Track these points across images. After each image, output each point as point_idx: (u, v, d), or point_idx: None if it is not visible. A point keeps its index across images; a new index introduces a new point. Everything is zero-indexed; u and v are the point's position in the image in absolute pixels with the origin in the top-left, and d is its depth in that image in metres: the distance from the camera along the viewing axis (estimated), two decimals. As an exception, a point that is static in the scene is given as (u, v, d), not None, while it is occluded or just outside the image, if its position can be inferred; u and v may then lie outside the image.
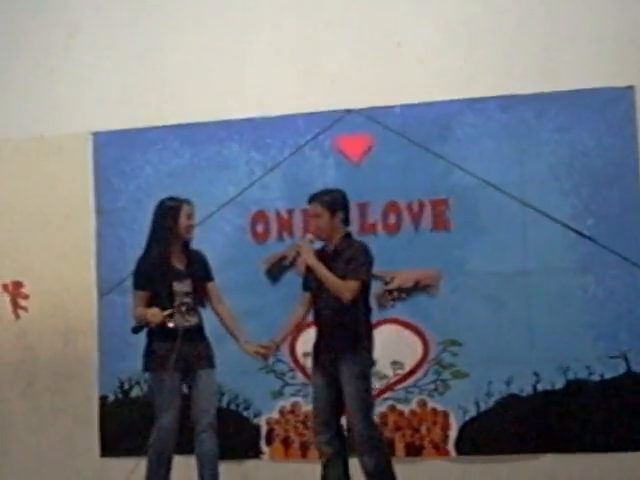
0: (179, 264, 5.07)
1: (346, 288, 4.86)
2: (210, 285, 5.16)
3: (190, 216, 5.10)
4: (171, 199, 5.14)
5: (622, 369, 5.68)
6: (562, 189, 5.82)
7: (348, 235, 5.07)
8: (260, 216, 6.16)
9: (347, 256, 4.94)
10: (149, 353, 5.02)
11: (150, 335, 5.02)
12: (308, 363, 5.80)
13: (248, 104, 6.18)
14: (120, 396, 6.25)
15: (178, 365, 4.93)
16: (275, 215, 6.14)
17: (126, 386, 6.23)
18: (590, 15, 5.95)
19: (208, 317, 5.21)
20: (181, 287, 5.01)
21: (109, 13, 6.50)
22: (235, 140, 6.24)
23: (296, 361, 6.04)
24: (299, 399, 6.04)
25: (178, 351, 4.90)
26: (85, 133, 6.40)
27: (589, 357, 5.70)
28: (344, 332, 4.91)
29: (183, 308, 4.99)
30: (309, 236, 5.09)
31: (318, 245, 5.07)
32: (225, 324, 5.15)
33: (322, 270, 4.91)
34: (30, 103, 6.55)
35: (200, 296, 5.10)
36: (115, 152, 6.37)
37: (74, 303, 6.32)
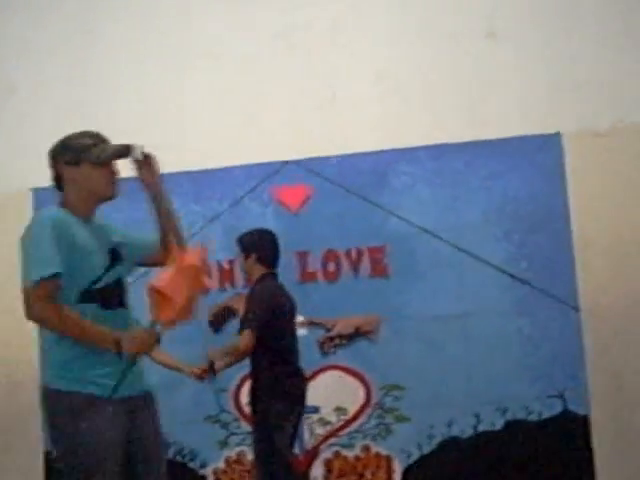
0: None
1: (240, 341, 4.76)
2: None
3: None
4: None
5: (559, 408, 5.81)
6: (495, 234, 5.99)
7: (265, 277, 4.92)
8: (201, 267, 6.23)
9: (247, 301, 4.86)
10: None
11: None
12: (252, 412, 5.89)
13: (187, 157, 6.24)
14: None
15: None
16: (216, 266, 6.22)
17: (70, 441, 6.19)
18: (516, 63, 6.14)
19: (157, 369, 5.22)
20: None
21: (47, 69, 6.56)
22: (175, 193, 6.11)
23: (240, 410, 6.08)
24: (245, 448, 6.06)
25: None
26: (25, 190, 6.41)
27: (527, 397, 5.83)
28: (255, 381, 4.87)
29: None
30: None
31: None
32: (167, 365, 5.09)
33: (223, 350, 4.92)
34: (-31, 161, 6.58)
35: None
36: (55, 207, 6.39)
37: (16, 357, 6.27)
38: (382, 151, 6.12)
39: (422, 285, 6.02)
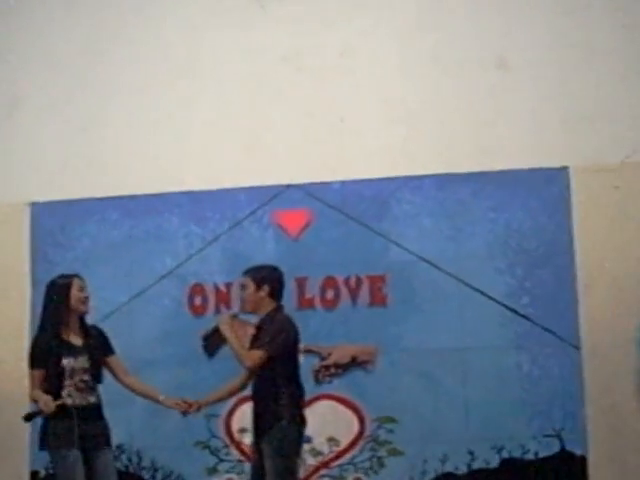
0: (76, 340, 4.93)
1: (247, 356, 4.84)
2: (112, 359, 5.03)
3: (82, 289, 4.98)
4: (61, 276, 5.03)
5: (556, 448, 5.70)
6: (497, 267, 5.89)
7: (277, 309, 5.01)
8: (198, 289, 6.14)
9: (265, 328, 4.91)
10: (46, 432, 4.82)
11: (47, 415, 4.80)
12: (244, 439, 5.78)
13: (188, 177, 6.21)
14: (52, 471, 6.11)
15: (76, 443, 4.73)
16: (213, 288, 6.12)
17: (57, 461, 6.09)
18: (526, 95, 6.08)
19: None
20: (75, 363, 4.84)
21: (50, 84, 6.50)
22: (174, 213, 6.25)
23: (231, 437, 5.97)
24: (234, 476, 5.95)
25: (73, 429, 4.73)
26: (22, 203, 6.35)
27: (524, 435, 5.72)
28: (266, 408, 4.84)
29: (82, 385, 4.84)
30: (234, 310, 5.14)
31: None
32: (140, 392, 5.05)
33: (231, 339, 4.91)
34: (-32, 172, 6.53)
35: (97, 372, 4.94)
36: (53, 223, 6.32)
37: (5, 375, 6.18)
38: (386, 178, 6.04)
39: (421, 316, 5.92)
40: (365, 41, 6.28)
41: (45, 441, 4.84)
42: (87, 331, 5.00)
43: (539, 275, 5.86)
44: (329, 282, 6.02)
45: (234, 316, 5.09)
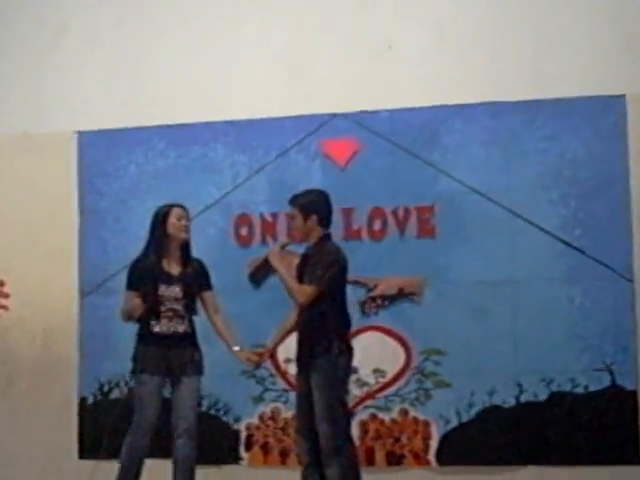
0: (174, 269, 5.05)
1: (300, 292, 4.83)
2: (207, 294, 5.13)
3: (181, 217, 5.08)
4: (163, 205, 5.15)
5: (607, 382, 5.62)
6: (550, 198, 5.76)
7: (325, 237, 4.95)
8: (244, 219, 6.10)
9: (315, 260, 4.86)
10: (135, 356, 5.01)
11: (138, 339, 5.03)
12: (289, 369, 5.77)
13: (234, 106, 6.13)
14: (100, 398, 6.19)
15: (160, 370, 4.93)
16: (259, 218, 6.08)
17: (106, 388, 6.16)
18: (582, 22, 5.89)
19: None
20: (169, 292, 4.99)
21: (96, 13, 6.46)
22: (220, 142, 6.18)
23: (277, 367, 5.97)
24: (279, 405, 5.97)
25: (161, 355, 4.92)
26: (70, 132, 6.34)
27: (573, 369, 5.64)
28: (314, 339, 4.83)
29: (171, 314, 4.96)
30: (283, 240, 5.08)
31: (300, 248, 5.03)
32: (219, 333, 5.14)
33: (281, 272, 4.90)
34: (16, 100, 6.50)
35: (191, 304, 5.06)
36: (100, 152, 6.31)
37: (55, 303, 6.25)
38: (436, 106, 5.89)
39: (470, 248, 5.81)
40: (415, -36, 6.11)
41: (133, 365, 5.01)
42: (187, 262, 5.10)
43: (593, 206, 5.71)
44: (376, 213, 5.93)
45: (283, 247, 5.04)
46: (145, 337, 4.98)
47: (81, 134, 6.33)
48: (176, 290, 5.00)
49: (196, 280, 5.09)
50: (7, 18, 6.59)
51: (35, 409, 6.27)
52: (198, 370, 5.06)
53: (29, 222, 6.33)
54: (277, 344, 5.25)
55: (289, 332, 5.17)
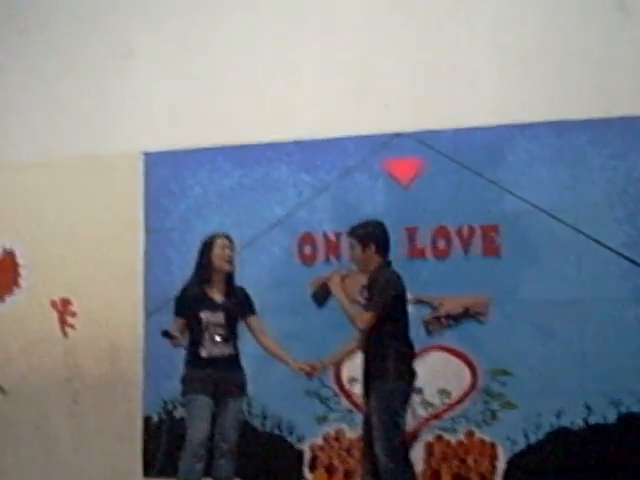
0: (217, 297, 5.18)
1: (359, 318, 4.91)
2: (252, 319, 5.25)
3: (224, 247, 5.20)
4: (210, 235, 5.30)
5: (677, 404, 5.52)
6: (616, 217, 5.68)
7: (384, 264, 5.01)
8: (308, 238, 6.13)
9: (373, 286, 4.94)
10: (184, 379, 5.16)
11: (186, 363, 5.17)
12: (354, 389, 5.75)
13: (298, 126, 6.17)
14: (164, 416, 6.23)
15: (208, 391, 5.04)
16: (323, 237, 6.10)
17: (170, 406, 6.20)
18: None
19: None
20: (212, 317, 5.10)
21: (163, 35, 6.56)
22: (284, 162, 6.22)
23: (341, 386, 5.95)
24: (344, 425, 5.95)
25: (207, 378, 5.04)
26: (137, 153, 6.44)
27: (642, 390, 5.55)
28: (373, 362, 4.89)
29: (217, 338, 5.08)
30: (344, 270, 5.20)
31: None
32: (272, 352, 5.23)
33: (342, 299, 4.99)
34: (83, 122, 6.63)
35: (233, 328, 5.16)
36: (165, 172, 6.40)
37: (120, 322, 6.33)
38: (500, 126, 5.86)
39: (536, 267, 5.75)
40: (478, -16, 6.10)
41: (183, 388, 5.15)
42: (230, 290, 5.21)
43: (660, 225, 5.64)
44: (440, 232, 5.91)
45: (344, 276, 5.10)
46: (193, 361, 5.13)
47: (147, 155, 6.43)
48: (219, 316, 5.12)
49: (240, 307, 5.21)
50: (75, 42, 6.73)
51: (100, 427, 6.33)
52: (242, 392, 5.18)
53: (96, 242, 6.43)
54: (334, 362, 5.32)
55: (349, 352, 5.24)
